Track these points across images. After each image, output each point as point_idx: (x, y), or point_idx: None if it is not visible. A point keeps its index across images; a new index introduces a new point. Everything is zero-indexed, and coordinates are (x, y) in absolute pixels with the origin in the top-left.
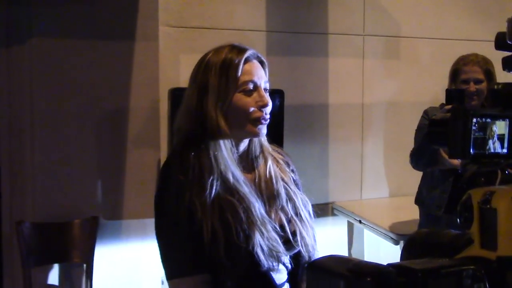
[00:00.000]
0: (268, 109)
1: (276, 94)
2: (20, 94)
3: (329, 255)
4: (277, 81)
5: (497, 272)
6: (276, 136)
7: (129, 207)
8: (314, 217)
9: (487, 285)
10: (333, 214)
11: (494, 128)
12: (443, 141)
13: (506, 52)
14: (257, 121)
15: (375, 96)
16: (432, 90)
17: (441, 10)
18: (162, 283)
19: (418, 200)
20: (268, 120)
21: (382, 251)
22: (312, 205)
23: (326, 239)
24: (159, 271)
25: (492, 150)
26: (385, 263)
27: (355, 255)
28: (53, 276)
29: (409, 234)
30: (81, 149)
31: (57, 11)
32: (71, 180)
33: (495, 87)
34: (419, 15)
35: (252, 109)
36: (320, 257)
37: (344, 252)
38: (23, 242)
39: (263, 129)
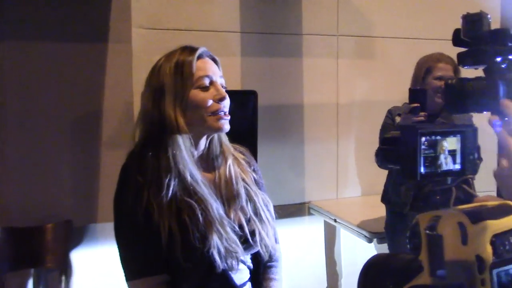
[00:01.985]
0: (226, 102)
1: (249, 94)
2: None
3: None
4: (251, 82)
5: None
6: (250, 137)
7: (103, 210)
8: (276, 217)
9: None
10: (310, 214)
11: (445, 144)
12: (395, 160)
13: (462, 48)
14: (217, 114)
15: (349, 96)
16: (404, 89)
17: (412, 10)
18: None
19: (384, 198)
20: (229, 116)
21: (358, 250)
22: (290, 205)
23: (303, 239)
24: None
25: (444, 167)
26: (361, 262)
27: (333, 254)
28: (28, 282)
29: (381, 232)
30: (54, 152)
31: (29, 14)
32: (44, 183)
33: (449, 81)
34: (392, 15)
35: (210, 102)
36: None
37: (321, 252)
38: None
39: (226, 124)
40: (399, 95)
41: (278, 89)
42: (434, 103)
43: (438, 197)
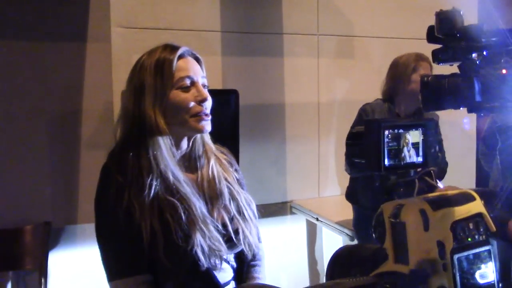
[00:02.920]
0: (208, 103)
1: (230, 94)
2: None
3: (255, 284)
4: (232, 81)
5: (410, 286)
6: (231, 136)
7: (83, 211)
8: (258, 216)
9: None
10: (292, 213)
11: (408, 137)
12: (360, 154)
13: (436, 45)
14: (198, 116)
15: (330, 95)
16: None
17: (391, 9)
18: None
19: (351, 197)
20: (210, 116)
21: None
22: (271, 204)
23: (285, 238)
24: None
25: (407, 160)
26: None
27: (315, 253)
28: (7, 284)
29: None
30: (33, 153)
31: (6, 12)
32: (22, 184)
33: (425, 79)
34: (371, 15)
35: (191, 104)
36: (247, 284)
37: (303, 250)
38: None
39: (207, 125)
40: (378, 94)
41: (259, 88)
42: (418, 101)
43: (402, 189)
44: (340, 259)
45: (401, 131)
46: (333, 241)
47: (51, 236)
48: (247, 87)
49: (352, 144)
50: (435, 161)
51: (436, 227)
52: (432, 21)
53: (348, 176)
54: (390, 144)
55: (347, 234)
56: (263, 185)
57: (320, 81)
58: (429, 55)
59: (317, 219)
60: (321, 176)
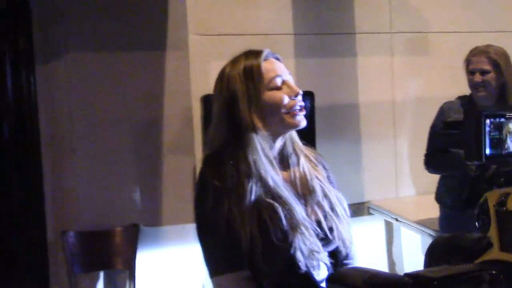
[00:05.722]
0: (300, 97)
1: (306, 95)
2: (59, 107)
3: (349, 267)
4: (306, 83)
5: None
6: (308, 138)
7: (167, 214)
8: (350, 214)
9: None
10: (369, 213)
11: (511, 126)
12: (458, 144)
13: None
14: (293, 110)
15: (405, 93)
16: (463, 84)
17: (466, 2)
18: (203, 287)
19: (437, 197)
20: (304, 111)
21: (421, 249)
22: (348, 205)
23: (363, 239)
24: (200, 276)
25: (511, 149)
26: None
27: (394, 254)
28: (98, 283)
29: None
30: (119, 158)
31: (90, 26)
32: (111, 188)
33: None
34: (445, 9)
35: (286, 100)
36: (341, 269)
37: (381, 252)
38: (68, 251)
39: (303, 120)
40: (456, 91)
41: (333, 89)
42: (477, 98)
43: (502, 179)
44: (438, 249)
45: (502, 120)
46: (412, 241)
47: (139, 237)
48: (321, 88)
49: (450, 133)
50: None
51: None
52: (507, 13)
53: (426, 175)
54: (492, 134)
55: (430, 234)
56: (340, 186)
57: (394, 79)
58: (506, 48)
59: (396, 220)
60: (398, 176)
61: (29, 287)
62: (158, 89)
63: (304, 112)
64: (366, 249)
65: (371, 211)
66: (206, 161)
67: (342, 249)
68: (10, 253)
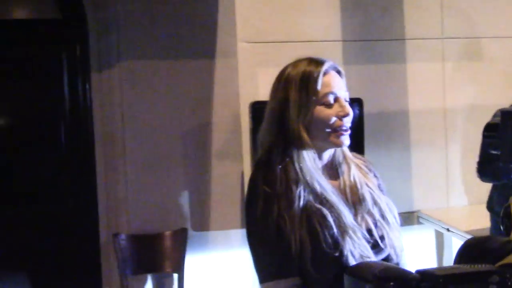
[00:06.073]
0: (349, 118)
1: (355, 102)
2: (112, 113)
3: (366, 261)
4: (355, 90)
5: None
6: (357, 145)
7: (215, 219)
8: (401, 222)
9: None
10: (419, 223)
11: None
12: (496, 146)
13: None
14: (338, 131)
15: (457, 100)
16: None
17: None
18: None
19: (489, 205)
20: (349, 130)
21: None
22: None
23: (412, 249)
24: (247, 281)
25: None
26: None
27: (445, 264)
28: (148, 285)
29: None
30: (169, 163)
31: (142, 35)
32: (161, 193)
33: None
34: (500, 13)
35: (333, 120)
36: (356, 263)
37: (432, 262)
38: (120, 253)
39: (346, 140)
40: (510, 97)
41: (381, 96)
42: None
43: None
44: (468, 249)
45: None
46: None
47: (187, 241)
48: (370, 95)
49: (489, 136)
50: None
51: None
52: None
53: (479, 184)
54: None
55: None
56: (389, 194)
57: (445, 86)
58: None
59: (448, 230)
60: (449, 185)
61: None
62: (208, 96)
63: (349, 132)
64: (416, 259)
65: (421, 220)
66: (257, 166)
67: (393, 257)
68: (64, 254)
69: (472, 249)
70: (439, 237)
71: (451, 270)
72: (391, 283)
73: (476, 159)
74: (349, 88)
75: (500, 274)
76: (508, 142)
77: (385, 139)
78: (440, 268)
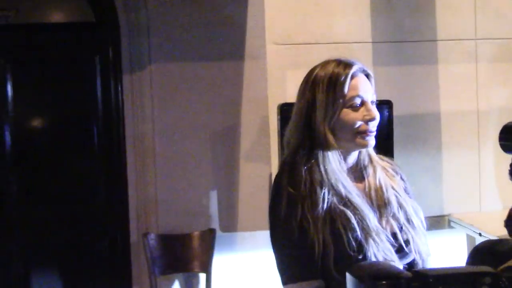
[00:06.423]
0: (375, 122)
1: (384, 104)
2: (143, 114)
3: (371, 261)
4: (385, 92)
5: None
6: (386, 147)
7: (243, 220)
8: (429, 227)
9: None
10: (450, 227)
11: None
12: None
13: None
14: (363, 133)
15: (491, 103)
16: None
17: None
18: None
19: None
20: (375, 132)
21: None
22: (427, 217)
23: (443, 253)
24: (274, 282)
25: None
26: None
27: None
28: (176, 285)
29: None
30: (198, 164)
31: (172, 38)
32: (190, 193)
33: None
34: None
35: (358, 123)
36: (359, 263)
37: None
38: (149, 253)
39: (371, 141)
40: None
41: (412, 98)
42: None
43: None
44: (480, 251)
45: None
46: None
47: (215, 242)
48: (400, 97)
49: (506, 138)
50: None
51: None
52: None
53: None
54: None
55: None
56: (419, 197)
57: (478, 88)
58: None
59: (480, 235)
60: (482, 188)
61: (113, 287)
62: (236, 98)
63: (374, 133)
64: (447, 263)
65: (452, 224)
66: (282, 167)
67: (418, 261)
68: (95, 253)
69: (483, 252)
70: (471, 241)
71: (444, 271)
72: (383, 282)
73: (510, 161)
74: (378, 90)
75: (495, 276)
76: None
77: (416, 141)
78: (435, 269)
